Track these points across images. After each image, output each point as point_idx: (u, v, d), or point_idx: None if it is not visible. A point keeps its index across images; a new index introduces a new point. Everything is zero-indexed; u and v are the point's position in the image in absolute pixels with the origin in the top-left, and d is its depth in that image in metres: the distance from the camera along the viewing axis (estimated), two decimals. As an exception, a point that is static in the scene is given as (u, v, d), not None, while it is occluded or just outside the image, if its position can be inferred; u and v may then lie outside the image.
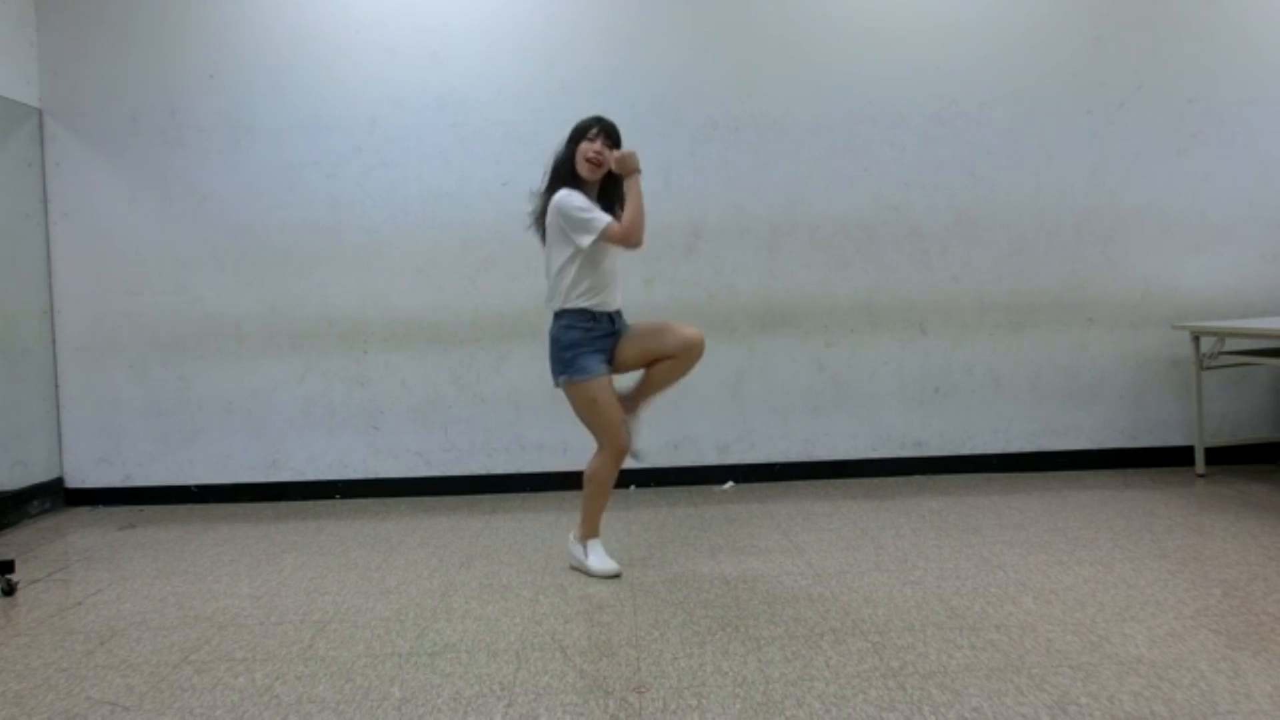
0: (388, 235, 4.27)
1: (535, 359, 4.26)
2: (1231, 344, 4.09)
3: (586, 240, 2.79)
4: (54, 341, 4.27)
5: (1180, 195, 4.39)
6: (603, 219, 2.79)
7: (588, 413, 2.91)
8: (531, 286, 4.25)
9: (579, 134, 2.88)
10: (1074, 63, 4.34)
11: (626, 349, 2.97)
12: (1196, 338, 4.17)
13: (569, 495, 4.19)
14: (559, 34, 4.24)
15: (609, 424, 2.90)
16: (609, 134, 2.88)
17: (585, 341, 2.88)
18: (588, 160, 2.83)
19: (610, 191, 2.92)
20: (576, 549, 3.09)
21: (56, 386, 4.28)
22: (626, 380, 3.09)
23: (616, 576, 3.00)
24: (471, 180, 4.24)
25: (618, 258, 2.94)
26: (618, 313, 3.00)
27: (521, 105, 4.23)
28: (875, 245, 4.35)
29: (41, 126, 4.23)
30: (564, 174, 2.89)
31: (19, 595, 3.01)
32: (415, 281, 4.29)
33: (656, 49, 4.27)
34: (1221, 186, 4.39)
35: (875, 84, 4.31)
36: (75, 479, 4.30)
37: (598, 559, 3.04)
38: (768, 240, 4.32)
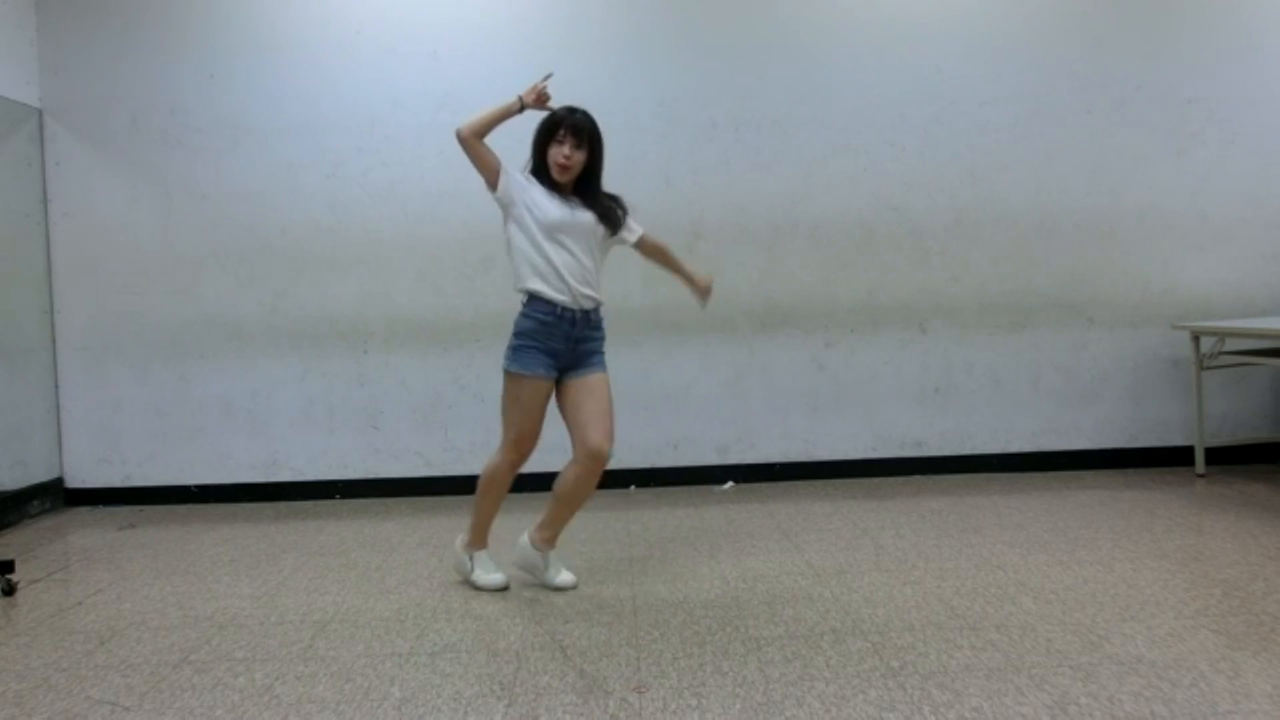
0: (388, 235, 4.27)
1: (535, 359, 4.27)
2: (1231, 344, 4.09)
3: (488, 190, 2.78)
4: (54, 341, 4.27)
5: (1180, 195, 4.39)
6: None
7: (506, 405, 2.77)
8: (531, 286, 4.26)
9: (546, 134, 2.74)
10: (1074, 63, 4.34)
11: (569, 392, 2.78)
12: (1196, 338, 4.17)
13: (569, 495, 4.20)
14: (559, 34, 4.23)
15: (518, 426, 2.75)
16: (576, 131, 2.70)
17: (537, 335, 2.71)
18: (558, 165, 2.71)
19: (585, 188, 2.77)
20: (462, 559, 2.96)
21: (56, 386, 4.27)
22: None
23: (504, 589, 2.89)
24: (471, 180, 4.15)
25: (586, 253, 2.72)
26: (585, 316, 2.75)
27: (521, 105, 4.22)
28: (875, 245, 4.35)
29: (41, 126, 4.22)
30: (537, 169, 2.79)
31: (19, 595, 3.01)
32: (415, 281, 4.29)
33: (657, 49, 4.27)
34: (1221, 186, 4.39)
35: (875, 84, 4.31)
36: (75, 479, 4.30)
37: (483, 571, 2.92)
38: (768, 240, 4.32)
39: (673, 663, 2.32)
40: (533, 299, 2.73)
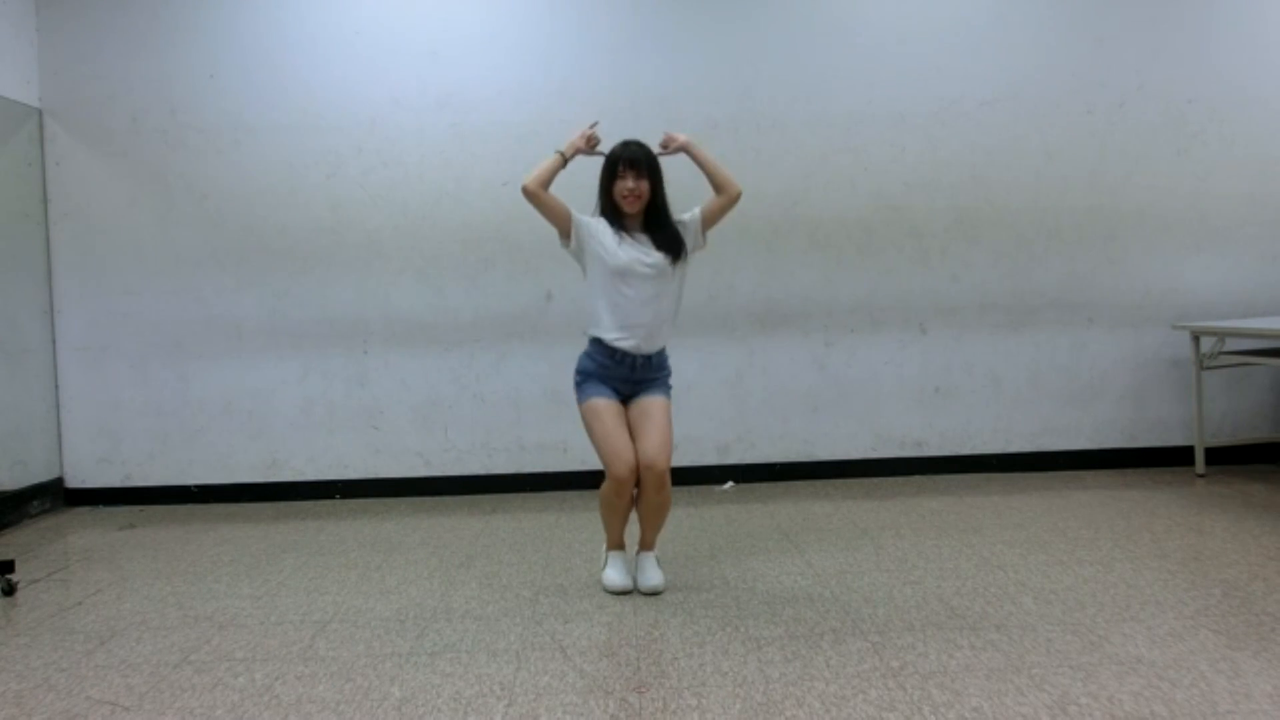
0: (388, 235, 4.27)
1: (535, 359, 4.27)
2: (1231, 344, 4.09)
3: (561, 243, 2.88)
4: (54, 341, 4.26)
5: (1180, 195, 4.39)
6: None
7: (590, 436, 2.83)
8: (531, 287, 4.26)
9: (609, 174, 2.81)
10: (1074, 63, 4.34)
11: (630, 415, 2.84)
12: (1196, 338, 4.17)
13: (569, 495, 4.20)
14: (559, 33, 4.23)
15: (600, 448, 2.78)
16: (634, 164, 2.77)
17: (596, 374, 2.83)
18: (625, 198, 2.78)
19: (654, 222, 2.83)
20: (604, 556, 3.02)
21: (56, 386, 4.27)
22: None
23: (619, 592, 2.87)
24: (471, 180, 4.24)
25: (655, 296, 2.79)
26: (648, 360, 2.83)
27: (521, 105, 4.23)
28: (875, 245, 4.35)
29: (41, 126, 4.22)
30: (606, 209, 2.84)
31: (19, 595, 3.01)
32: (415, 281, 4.29)
33: (657, 49, 4.27)
34: (1221, 186, 4.39)
35: (875, 84, 4.30)
36: (75, 479, 4.30)
37: (610, 569, 2.93)
38: (768, 240, 4.32)
39: (673, 663, 2.32)
40: (594, 342, 2.84)
